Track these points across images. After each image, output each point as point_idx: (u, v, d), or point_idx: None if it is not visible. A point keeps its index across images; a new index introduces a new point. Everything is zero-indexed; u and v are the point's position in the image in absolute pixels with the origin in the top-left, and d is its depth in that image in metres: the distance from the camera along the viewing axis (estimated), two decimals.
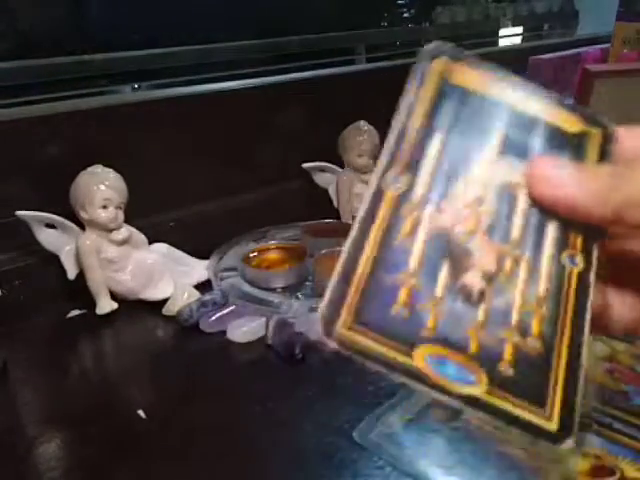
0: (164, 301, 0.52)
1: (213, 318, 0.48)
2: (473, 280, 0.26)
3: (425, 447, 0.33)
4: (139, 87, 1.04)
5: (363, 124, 0.68)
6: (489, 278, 0.26)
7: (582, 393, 0.24)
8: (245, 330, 0.47)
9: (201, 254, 0.58)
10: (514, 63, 0.95)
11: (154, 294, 0.54)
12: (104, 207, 0.51)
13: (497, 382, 0.24)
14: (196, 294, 0.52)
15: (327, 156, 0.68)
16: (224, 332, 0.48)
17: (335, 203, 0.69)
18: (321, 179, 0.69)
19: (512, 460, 0.31)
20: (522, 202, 0.27)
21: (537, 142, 0.28)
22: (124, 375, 0.45)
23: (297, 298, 0.52)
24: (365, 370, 0.44)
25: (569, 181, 0.25)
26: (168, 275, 0.55)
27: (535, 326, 0.25)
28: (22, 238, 0.51)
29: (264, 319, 0.48)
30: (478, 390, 0.24)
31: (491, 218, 0.27)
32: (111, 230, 0.52)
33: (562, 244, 0.26)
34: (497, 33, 1.72)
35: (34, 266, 0.53)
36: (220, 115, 0.65)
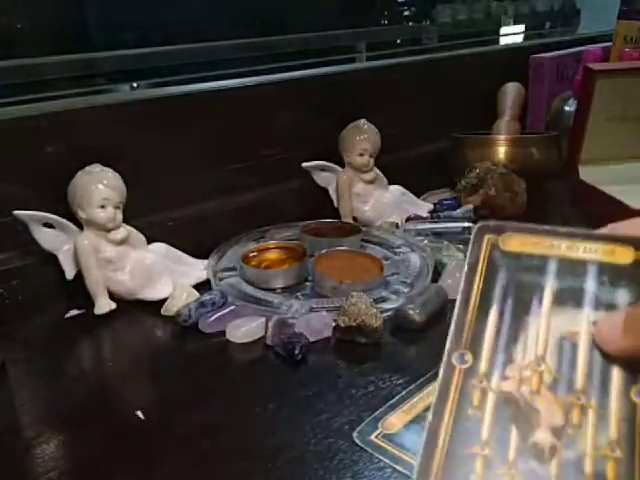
0: (163, 301, 0.52)
1: (212, 318, 0.48)
2: (543, 437, 0.27)
3: None
4: (138, 86, 1.04)
5: (363, 123, 0.67)
6: (558, 432, 0.27)
7: None
8: (244, 330, 0.47)
9: (200, 254, 0.58)
10: (515, 62, 0.95)
11: (153, 294, 0.53)
12: (102, 207, 0.51)
13: None
14: (195, 294, 0.52)
15: (327, 155, 0.68)
16: (223, 332, 0.47)
17: (335, 203, 0.69)
18: (321, 178, 0.69)
19: None
20: (583, 350, 0.29)
21: (590, 285, 0.30)
22: (122, 375, 0.44)
23: (297, 298, 0.52)
24: (365, 371, 0.44)
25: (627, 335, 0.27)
26: (167, 275, 0.54)
27: (610, 471, 0.26)
28: (20, 238, 0.51)
29: (264, 319, 0.48)
30: None
31: (552, 373, 0.28)
32: (109, 230, 0.52)
33: (630, 381, 0.27)
34: (498, 32, 1.71)
35: (32, 266, 0.53)
36: (219, 113, 0.64)
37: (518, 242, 0.32)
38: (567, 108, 0.82)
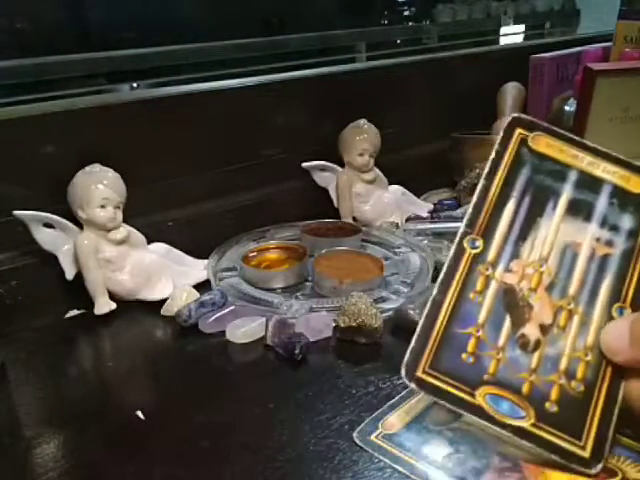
0: (163, 301, 0.52)
1: (212, 318, 0.48)
2: (531, 331, 0.31)
3: (425, 448, 0.33)
4: (138, 86, 1.04)
5: (363, 123, 0.67)
6: (545, 329, 0.31)
7: (614, 428, 0.28)
8: (244, 330, 0.47)
9: (200, 254, 0.58)
10: (515, 62, 0.95)
11: (153, 294, 0.53)
12: (102, 207, 0.51)
13: (543, 417, 0.29)
14: (195, 294, 0.52)
15: (327, 155, 0.68)
16: (223, 332, 0.47)
17: (335, 203, 0.69)
18: (321, 178, 0.69)
19: (513, 461, 0.31)
20: (582, 261, 0.31)
21: (602, 203, 0.32)
22: (122, 376, 0.44)
23: (297, 298, 0.52)
24: (365, 371, 0.45)
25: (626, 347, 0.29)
26: (167, 275, 0.54)
27: (580, 371, 0.29)
28: (20, 238, 0.51)
29: (264, 319, 0.47)
30: (526, 423, 0.29)
31: (551, 276, 0.31)
32: (109, 230, 0.52)
33: (614, 297, 0.30)
34: (498, 31, 1.71)
35: (32, 266, 0.53)
36: (219, 113, 0.64)
37: (546, 144, 0.33)
38: (567, 108, 0.82)
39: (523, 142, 0.33)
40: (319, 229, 0.63)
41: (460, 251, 0.32)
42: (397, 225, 0.67)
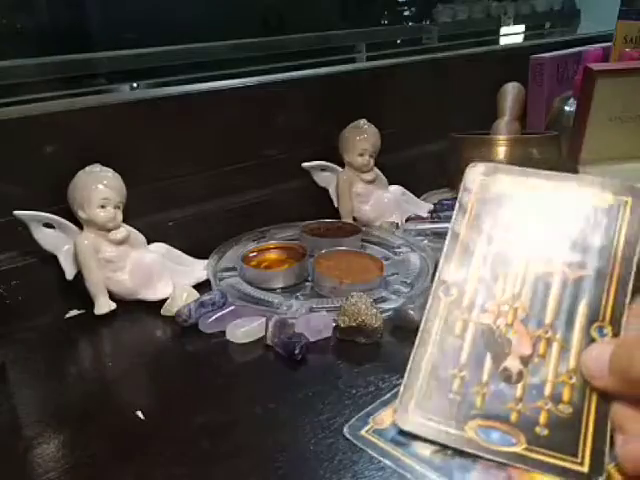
0: (163, 301, 0.52)
1: (212, 318, 0.48)
2: (512, 364, 0.32)
3: (415, 444, 0.33)
4: (138, 86, 1.04)
5: (363, 123, 0.67)
6: (525, 360, 0.32)
7: (608, 441, 0.28)
8: (244, 330, 0.47)
9: (200, 254, 0.58)
10: (515, 62, 0.95)
11: (153, 294, 0.53)
12: (102, 207, 0.51)
13: (534, 441, 0.30)
14: (195, 294, 0.52)
15: (327, 155, 0.68)
16: (223, 332, 0.47)
17: (335, 203, 0.69)
18: (321, 178, 0.69)
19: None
20: (555, 289, 0.32)
21: (570, 227, 0.33)
22: (122, 376, 0.44)
23: (297, 298, 0.52)
24: (365, 371, 0.45)
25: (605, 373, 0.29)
26: (167, 275, 0.54)
27: (566, 395, 0.30)
28: (20, 238, 0.51)
29: (264, 319, 0.47)
30: (518, 448, 0.30)
31: (526, 310, 0.32)
32: (109, 230, 0.52)
33: (593, 317, 0.31)
34: (498, 32, 1.71)
35: (32, 266, 0.53)
36: (219, 113, 0.64)
37: (507, 182, 0.34)
38: (567, 108, 0.82)
39: (485, 187, 0.34)
40: (319, 229, 0.63)
41: (437, 300, 0.33)
42: (397, 225, 0.67)
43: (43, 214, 0.50)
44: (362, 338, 0.46)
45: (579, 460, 0.28)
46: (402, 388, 0.32)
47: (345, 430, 0.35)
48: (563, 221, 0.33)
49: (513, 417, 0.31)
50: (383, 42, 1.46)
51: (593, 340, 0.30)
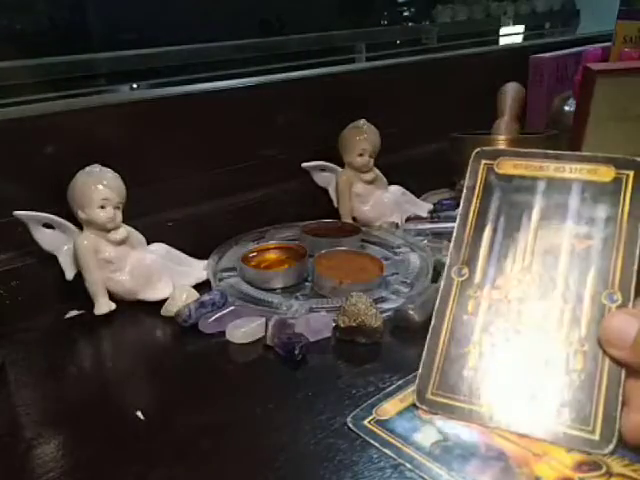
0: (163, 301, 0.52)
1: (212, 319, 0.48)
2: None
3: (415, 435, 0.34)
4: (138, 86, 1.04)
5: (363, 123, 0.67)
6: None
7: (620, 410, 0.29)
8: (244, 331, 0.47)
9: (200, 254, 0.58)
10: (515, 62, 0.95)
11: (153, 294, 0.53)
12: (102, 207, 0.51)
13: None
14: (195, 294, 0.52)
15: (327, 155, 0.68)
16: (223, 333, 0.47)
17: (335, 203, 0.69)
18: (321, 178, 0.69)
19: (498, 451, 0.32)
20: (564, 259, 0.33)
21: (574, 202, 0.33)
22: (122, 376, 0.44)
23: (297, 298, 0.52)
24: (365, 371, 0.44)
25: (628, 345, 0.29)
26: (167, 275, 0.54)
27: (579, 362, 0.31)
28: (20, 238, 0.51)
29: (263, 319, 0.47)
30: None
31: (537, 282, 0.33)
32: (109, 230, 0.52)
33: (602, 285, 0.31)
34: (498, 32, 1.71)
35: (32, 266, 0.53)
36: (219, 114, 0.64)
37: (512, 165, 0.36)
38: (567, 108, 0.82)
39: (490, 170, 0.36)
40: (319, 229, 0.63)
41: (449, 281, 0.34)
42: (397, 225, 0.67)
43: (43, 214, 0.50)
44: (362, 338, 0.46)
45: (590, 428, 0.29)
46: (420, 366, 0.33)
47: (348, 420, 0.36)
48: (568, 196, 0.34)
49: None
50: (383, 42, 1.46)
51: (604, 307, 0.31)
